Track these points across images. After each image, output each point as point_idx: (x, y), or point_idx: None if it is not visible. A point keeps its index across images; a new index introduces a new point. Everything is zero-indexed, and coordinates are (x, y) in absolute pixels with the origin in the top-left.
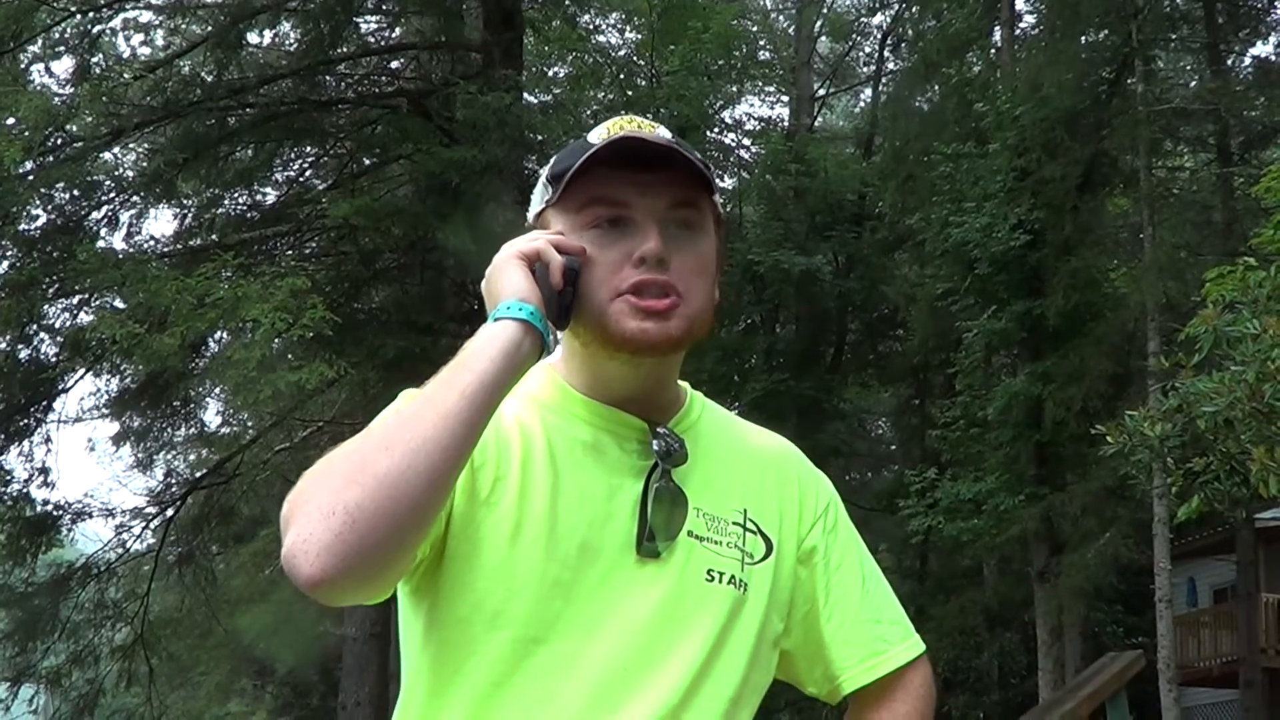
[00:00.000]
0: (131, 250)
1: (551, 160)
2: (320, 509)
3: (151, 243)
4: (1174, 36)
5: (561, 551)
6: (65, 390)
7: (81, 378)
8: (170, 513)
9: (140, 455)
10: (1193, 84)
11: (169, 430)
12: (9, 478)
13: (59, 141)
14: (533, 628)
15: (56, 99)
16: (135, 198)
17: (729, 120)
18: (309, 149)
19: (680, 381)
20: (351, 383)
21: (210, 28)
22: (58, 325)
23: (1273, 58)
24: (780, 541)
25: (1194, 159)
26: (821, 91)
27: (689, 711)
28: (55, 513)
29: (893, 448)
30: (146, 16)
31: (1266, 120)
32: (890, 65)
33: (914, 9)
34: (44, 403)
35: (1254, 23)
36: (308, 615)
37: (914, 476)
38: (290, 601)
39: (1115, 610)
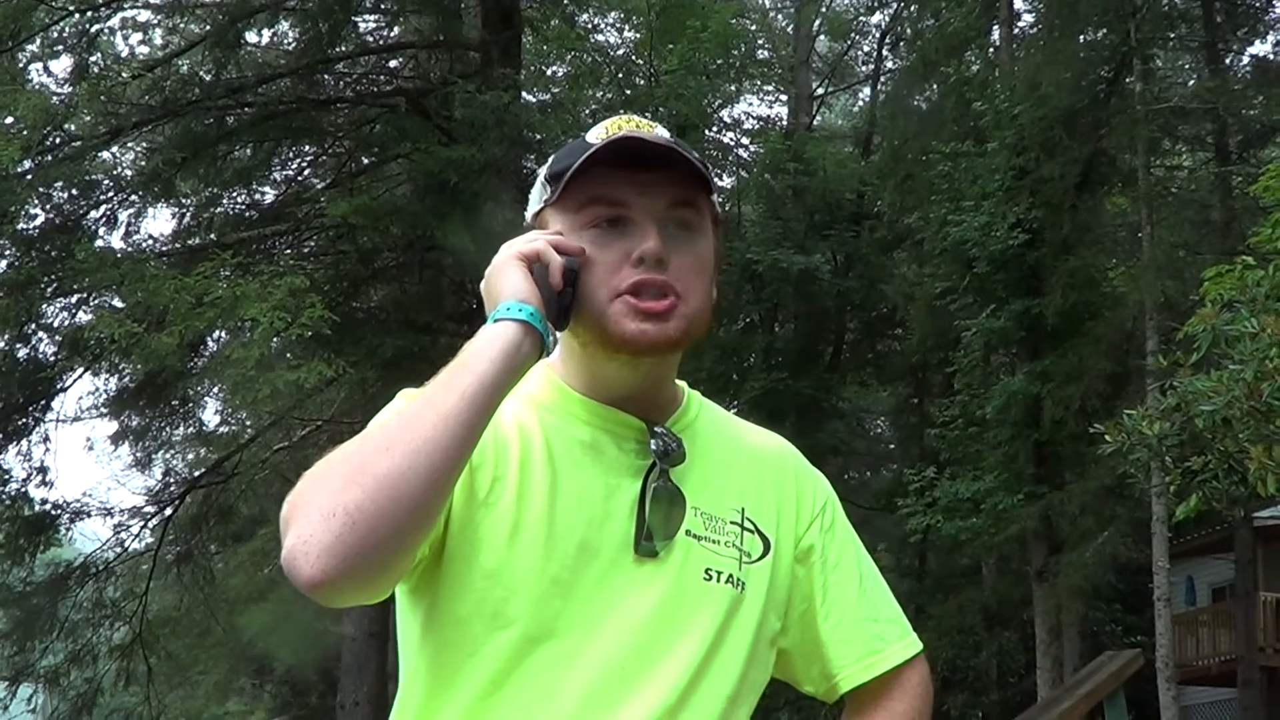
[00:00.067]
0: (130, 249)
1: (550, 160)
2: (320, 510)
3: (150, 242)
4: (1172, 35)
5: (560, 551)
6: (64, 389)
7: (80, 377)
8: (169, 512)
9: (139, 454)
10: (1191, 83)
11: (167, 429)
12: (7, 477)
13: (57, 140)
14: (532, 627)
15: (55, 98)
16: (134, 197)
17: (728, 119)
18: (307, 148)
19: (678, 381)
20: (350, 382)
21: (208, 27)
22: (56, 324)
23: (1271, 56)
24: (778, 540)
25: (1192, 158)
26: (820, 90)
27: (687, 710)
28: (53, 512)
29: (891, 447)
30: (145, 16)
31: (1265, 119)
32: (889, 64)
33: (912, 8)
34: (42, 402)
35: (1252, 21)
36: (306, 614)
37: (913, 475)
38: (289, 600)
39: (1114, 609)
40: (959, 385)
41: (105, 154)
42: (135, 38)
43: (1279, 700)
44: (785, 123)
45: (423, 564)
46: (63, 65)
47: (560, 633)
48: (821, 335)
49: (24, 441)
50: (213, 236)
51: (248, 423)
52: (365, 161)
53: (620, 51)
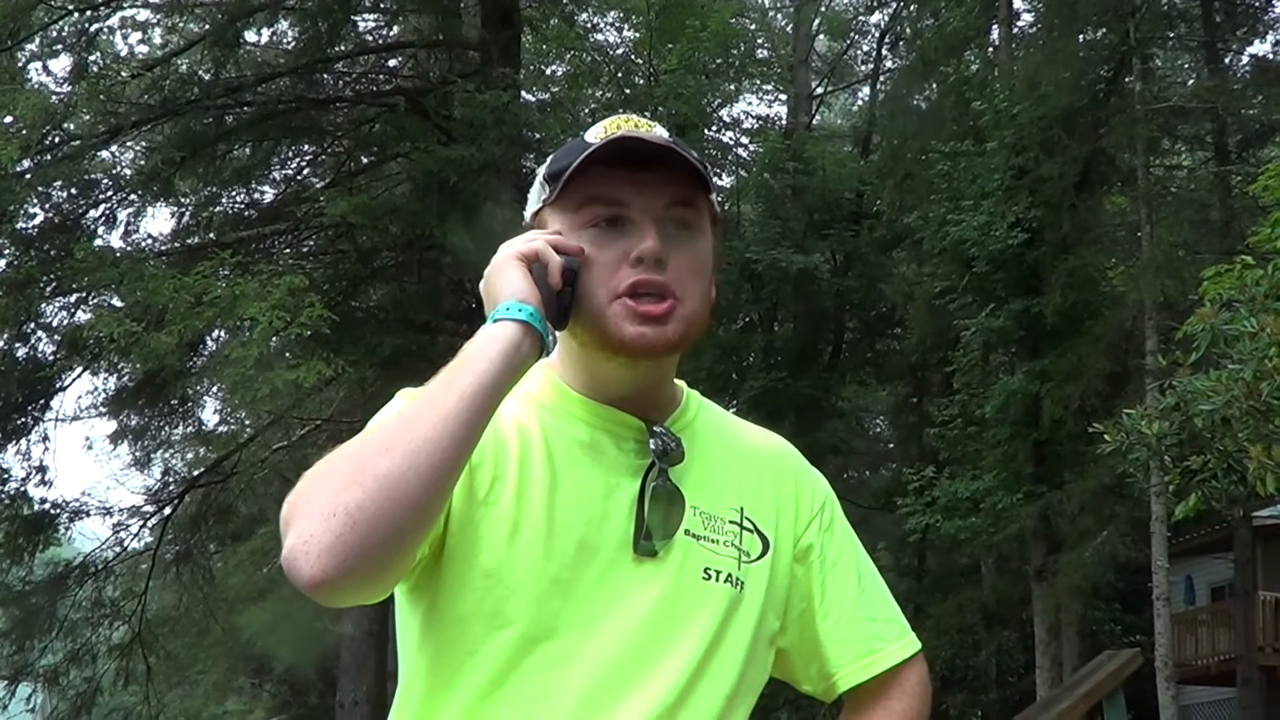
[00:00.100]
0: (129, 248)
1: (548, 159)
2: (321, 510)
3: (149, 241)
4: (1172, 35)
5: (559, 550)
6: (63, 388)
7: (79, 376)
8: (168, 511)
9: (138, 453)
10: (1190, 82)
11: (166, 428)
12: (6, 476)
13: (56, 140)
14: (531, 626)
15: (54, 97)
16: (133, 196)
17: (727, 118)
18: (307, 147)
19: (677, 380)
20: (349, 381)
21: (208, 26)
22: (55, 323)
23: (1270, 56)
24: (777, 540)
25: (1191, 157)
26: (819, 90)
27: (685, 709)
28: (53, 511)
29: (891, 446)
30: (144, 15)
31: (1264, 119)
32: (888, 63)
33: (912, 7)
34: (41, 401)
35: (1252, 21)
36: (305, 613)
37: (912, 475)
38: (288, 600)
39: (1113, 608)
40: (958, 384)
41: (104, 153)
42: (134, 37)
43: (1278, 700)
44: (784, 122)
45: (422, 563)
46: (62, 64)
47: (559, 632)
48: (821, 334)
49: (23, 441)
50: (212, 236)
51: (247, 422)
52: (364, 161)
53: (619, 51)
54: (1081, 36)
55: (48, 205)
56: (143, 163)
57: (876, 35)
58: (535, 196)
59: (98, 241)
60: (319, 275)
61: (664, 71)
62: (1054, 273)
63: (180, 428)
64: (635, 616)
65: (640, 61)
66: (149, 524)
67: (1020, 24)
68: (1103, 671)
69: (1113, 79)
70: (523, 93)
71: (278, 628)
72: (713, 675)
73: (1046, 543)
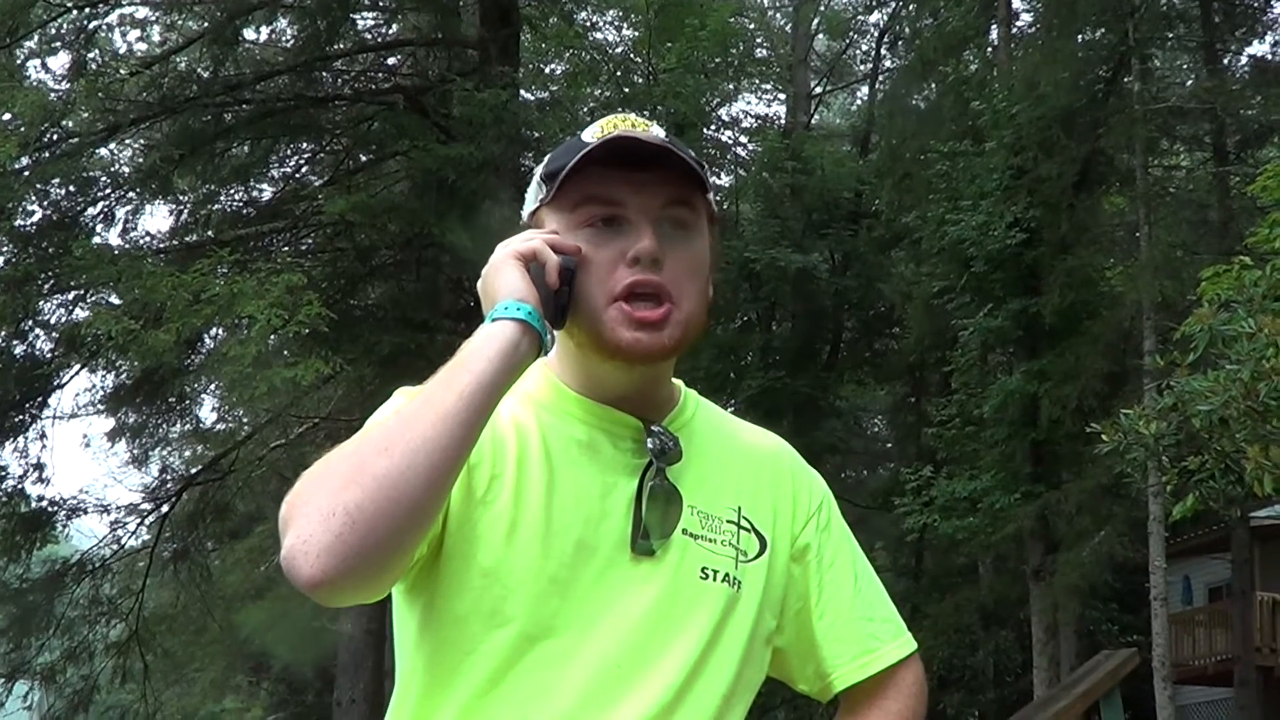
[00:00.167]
0: (127, 246)
1: (545, 159)
2: (320, 510)
3: (147, 239)
4: (1170, 35)
5: (557, 549)
6: (60, 386)
7: (77, 373)
8: (165, 509)
9: (135, 451)
10: (1189, 83)
11: (164, 426)
12: (4, 474)
13: (55, 137)
14: (529, 625)
15: (52, 95)
16: (131, 194)
17: (726, 118)
18: (305, 145)
19: (674, 379)
20: (347, 379)
21: (207, 24)
22: (53, 321)
23: (1269, 56)
24: (774, 539)
25: (1190, 158)
26: (818, 89)
27: (682, 708)
28: (50, 509)
29: (888, 445)
30: (143, 12)
31: (1263, 119)
32: (887, 63)
33: (911, 7)
34: (39, 398)
35: (1250, 21)
36: (303, 612)
37: (910, 474)
38: (286, 598)
39: (1110, 608)
40: (956, 384)
41: (103, 151)
42: (133, 34)
43: (1275, 700)
44: (783, 121)
45: (420, 562)
46: (61, 62)
47: (557, 631)
48: (819, 334)
49: (21, 438)
50: (210, 233)
51: (245, 420)
52: (363, 159)
53: (618, 50)
54: (1080, 36)
55: (46, 202)
56: (141, 160)
57: (875, 35)
58: (532, 196)
59: (96, 239)
60: (317, 273)
61: (663, 70)
62: (1052, 273)
63: (178, 425)
64: (633, 615)
65: (639, 60)
66: (146, 522)
67: (1019, 24)
68: (1100, 671)
69: (1111, 79)
70: (521, 91)
71: (275, 626)
72: (710, 674)
73: (1044, 543)
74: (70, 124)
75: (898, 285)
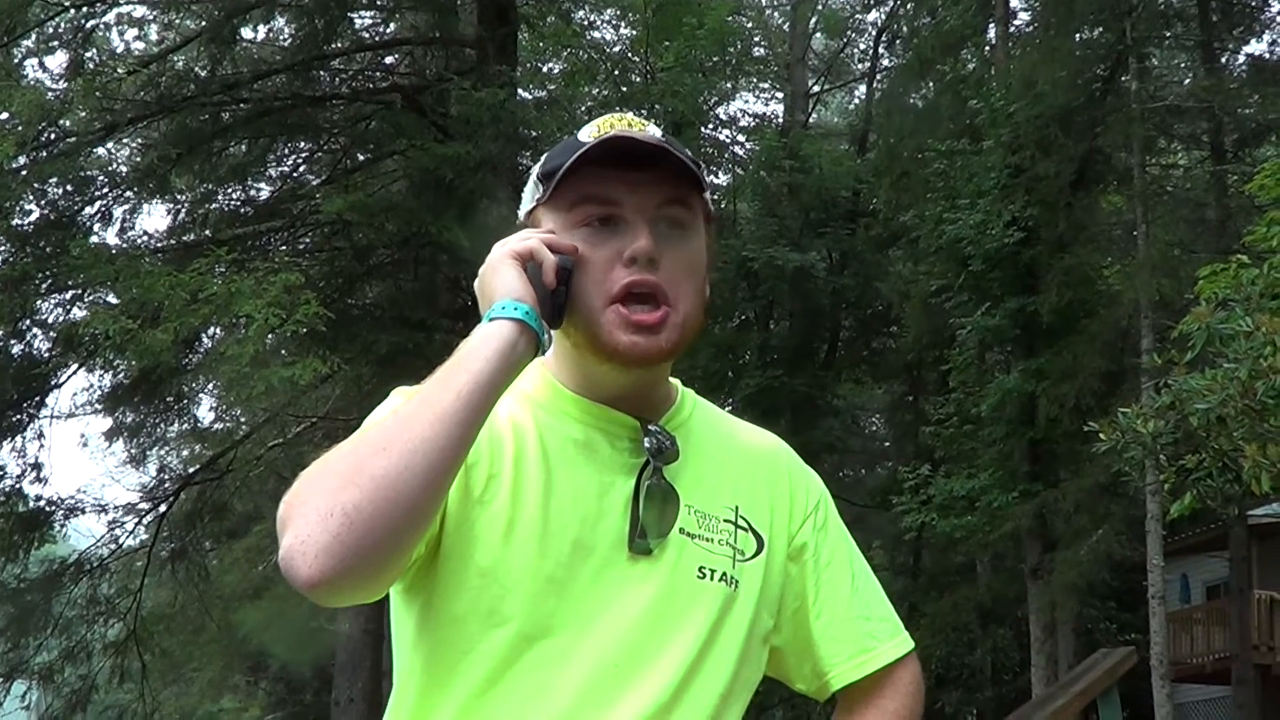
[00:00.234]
0: (125, 246)
1: (542, 158)
2: (318, 510)
3: (145, 238)
4: (1168, 34)
5: (554, 549)
6: (58, 385)
7: (74, 373)
8: (163, 508)
9: (133, 451)
10: (1187, 81)
11: (162, 426)
12: (2, 473)
13: (52, 136)
14: (527, 625)
15: (50, 94)
16: (129, 193)
17: (723, 116)
18: (303, 144)
19: (671, 379)
20: (345, 379)
21: (204, 23)
22: (51, 320)
23: (1267, 55)
24: (771, 538)
25: (1188, 156)
26: (816, 88)
27: (680, 707)
28: (48, 508)
29: (886, 444)
30: (140, 11)
31: (1260, 118)
32: (885, 62)
33: (909, 6)
34: (37, 398)
35: (1248, 20)
36: (301, 611)
37: (907, 473)
38: (284, 597)
39: (1108, 607)
40: (954, 383)
41: (100, 150)
42: (131, 33)
43: (1273, 698)
44: (781, 120)
45: (418, 562)
46: (58, 61)
47: (555, 631)
48: (816, 333)
49: (18, 438)
50: (207, 233)
51: (242, 419)
52: (360, 158)
53: (616, 48)
54: (1078, 35)
55: (43, 202)
56: (139, 159)
57: (873, 34)
58: (529, 195)
59: (93, 238)
60: (315, 272)
61: (661, 69)
62: (1050, 271)
63: (175, 425)
64: (630, 615)
65: (637, 59)
66: (144, 521)
67: (1017, 23)
68: (1098, 670)
69: (1109, 78)
70: (519, 90)
71: (273, 625)
72: (707, 673)
73: (1042, 541)
74: (67, 123)
75: (895, 284)
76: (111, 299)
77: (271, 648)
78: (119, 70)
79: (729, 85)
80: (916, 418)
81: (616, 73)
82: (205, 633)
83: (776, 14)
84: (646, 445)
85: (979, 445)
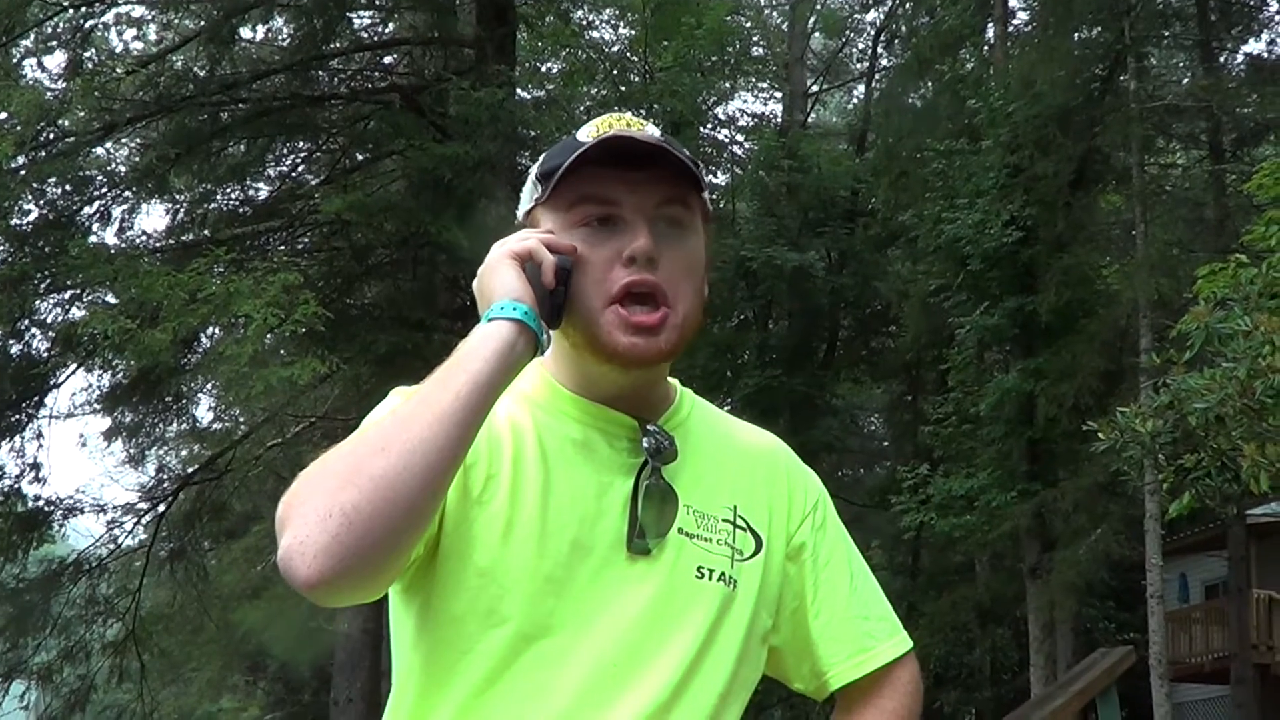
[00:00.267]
0: (123, 245)
1: (541, 158)
2: (316, 511)
3: (143, 238)
4: (1167, 33)
5: (553, 549)
6: (57, 385)
7: (73, 373)
8: (162, 508)
9: (132, 451)
10: (1185, 81)
11: (161, 426)
12: (0, 473)
13: (51, 136)
14: (526, 625)
15: (49, 94)
16: (127, 193)
17: (722, 116)
18: (301, 144)
19: (670, 378)
20: (344, 378)
21: (203, 23)
22: (49, 320)
23: (1265, 55)
24: (769, 538)
25: (1186, 156)
26: (815, 88)
27: (678, 707)
28: (46, 508)
29: (885, 444)
30: (139, 11)
31: (1259, 117)
32: (883, 62)
33: (907, 5)
34: (35, 398)
35: (1246, 20)
36: (300, 611)
37: (906, 472)
38: (282, 597)
39: (1107, 606)
40: (953, 382)
41: (99, 150)
42: (129, 33)
43: (1271, 697)
44: (780, 120)
45: (417, 562)
46: (57, 61)
47: (554, 630)
48: (815, 332)
49: (17, 438)
50: (206, 233)
51: (241, 419)
52: (359, 158)
53: (615, 48)
54: (1077, 35)
55: (42, 202)
56: (137, 159)
57: (872, 33)
58: (528, 195)
59: (92, 238)
60: (313, 272)
61: (659, 69)
62: (1048, 271)
63: (174, 425)
64: (629, 615)
65: (635, 59)
66: (143, 521)
67: (1015, 22)
68: (1096, 669)
69: (1108, 77)
70: (518, 90)
71: (272, 625)
72: (706, 673)
73: (1041, 540)
74: (66, 123)
75: (894, 283)
76: (110, 299)
77: (270, 647)
78: (118, 70)
79: (728, 85)
80: (915, 417)
81: (615, 72)
82: (204, 633)
83: (775, 14)
84: (645, 445)
85: (978, 445)
